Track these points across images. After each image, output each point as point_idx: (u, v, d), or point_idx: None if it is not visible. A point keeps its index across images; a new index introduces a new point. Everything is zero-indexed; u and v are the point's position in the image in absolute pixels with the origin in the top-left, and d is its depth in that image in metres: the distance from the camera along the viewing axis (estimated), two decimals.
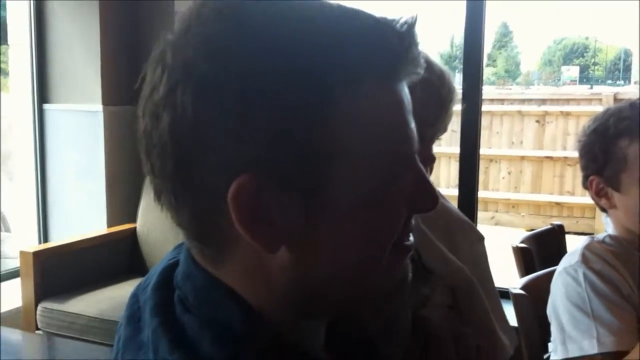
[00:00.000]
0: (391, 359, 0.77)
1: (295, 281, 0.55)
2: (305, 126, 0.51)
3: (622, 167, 1.27)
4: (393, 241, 0.57)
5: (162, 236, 2.96)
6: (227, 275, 0.56)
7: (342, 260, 0.55)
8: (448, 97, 1.05)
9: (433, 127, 1.04)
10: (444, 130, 1.08)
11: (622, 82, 12.65)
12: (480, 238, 1.26)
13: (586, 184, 1.35)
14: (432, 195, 0.59)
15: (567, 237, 2.34)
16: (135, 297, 0.64)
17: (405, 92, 0.57)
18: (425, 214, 0.64)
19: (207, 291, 0.56)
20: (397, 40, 0.54)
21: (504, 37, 15.22)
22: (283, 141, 0.51)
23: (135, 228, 3.09)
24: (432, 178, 1.26)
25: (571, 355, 1.22)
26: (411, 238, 0.60)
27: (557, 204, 5.89)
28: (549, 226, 2.32)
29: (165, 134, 0.52)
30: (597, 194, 1.33)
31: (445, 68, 1.07)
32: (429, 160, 1.04)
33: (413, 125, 0.57)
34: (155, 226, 3.01)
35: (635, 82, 12.18)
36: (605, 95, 6.00)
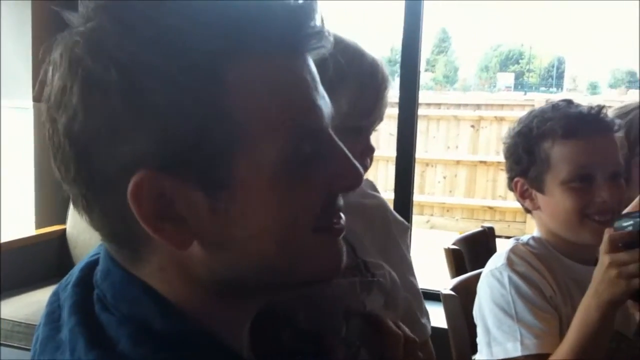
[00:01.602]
0: (336, 351, 0.75)
1: (214, 274, 0.54)
2: (195, 115, 0.49)
3: (545, 169, 1.29)
4: (314, 223, 0.55)
5: (93, 238, 2.83)
6: (144, 273, 0.55)
7: (261, 247, 0.54)
8: (382, 85, 1.03)
9: (370, 117, 1.03)
10: (381, 119, 1.07)
11: (555, 89, 13.05)
12: (407, 228, 1.26)
13: (511, 186, 1.38)
14: (353, 173, 0.57)
15: (498, 240, 2.39)
16: (56, 295, 0.62)
17: (309, 67, 0.55)
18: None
19: (124, 289, 0.55)
20: (288, 14, 0.52)
21: (443, 43, 15.49)
22: (174, 133, 0.49)
23: (65, 229, 3.01)
24: (370, 179, 1.26)
25: (495, 357, 1.23)
26: (342, 221, 0.58)
27: (490, 208, 6.03)
28: (480, 228, 2.36)
29: (62, 137, 0.51)
30: (522, 196, 1.36)
31: (377, 56, 1.05)
32: (368, 150, 1.03)
33: (320, 101, 0.55)
34: (86, 228, 2.80)
35: (567, 90, 12.59)
36: (538, 102, 6.18)
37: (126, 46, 0.49)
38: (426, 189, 6.52)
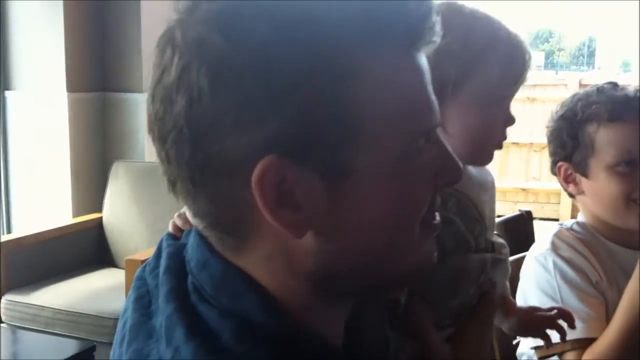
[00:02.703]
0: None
1: (321, 267, 0.53)
2: (326, 101, 0.49)
3: (590, 153, 1.27)
4: (421, 216, 0.55)
5: (129, 226, 2.91)
6: (248, 262, 0.54)
7: (371, 238, 0.53)
8: (527, 53, 1.03)
9: (516, 85, 1.03)
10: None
11: (586, 67, 12.83)
12: None
13: (554, 170, 1.36)
14: (455, 168, 0.57)
15: (534, 222, 2.36)
16: (142, 279, 0.61)
17: (425, 62, 0.55)
18: None
19: (225, 281, 0.54)
20: (416, 7, 0.52)
21: None
22: (304, 118, 0.48)
23: (101, 218, 3.04)
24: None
25: (541, 342, 1.22)
26: (438, 217, 0.59)
27: (523, 189, 5.94)
28: (518, 212, 2.34)
29: (181, 118, 0.49)
30: (566, 180, 1.34)
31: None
32: (510, 120, 1.03)
33: (433, 97, 0.55)
34: (122, 216, 2.96)
35: (599, 68, 12.37)
36: (570, 81, 6.06)
37: (261, 26, 0.48)
38: None
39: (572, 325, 1.04)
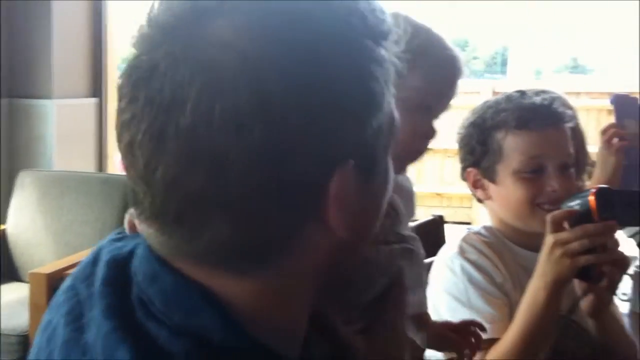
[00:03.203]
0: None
1: (332, 267, 0.54)
2: (374, 106, 0.51)
3: (498, 159, 1.31)
4: None
5: (35, 238, 2.79)
6: (250, 290, 0.51)
7: (364, 235, 0.56)
8: (457, 74, 1.05)
9: (441, 99, 1.05)
10: (447, 107, 1.08)
11: (500, 75, 13.27)
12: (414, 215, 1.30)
13: (464, 176, 1.39)
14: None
15: (447, 226, 2.41)
16: (73, 289, 0.56)
17: None
18: None
19: (179, 295, 0.50)
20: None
21: None
22: (366, 123, 0.50)
23: (4, 230, 2.89)
24: None
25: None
26: None
27: (438, 194, 6.10)
28: (431, 217, 2.38)
29: (254, 150, 0.46)
30: (474, 185, 1.37)
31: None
32: (431, 132, 1.04)
33: None
34: (27, 227, 2.83)
35: (514, 76, 12.83)
36: (483, 89, 6.26)
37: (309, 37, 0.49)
38: None
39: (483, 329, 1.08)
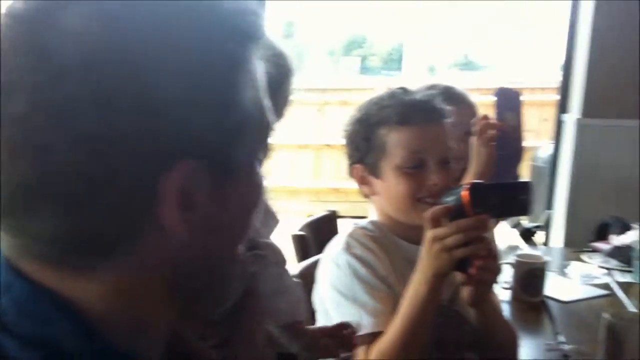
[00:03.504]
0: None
1: (181, 269, 0.51)
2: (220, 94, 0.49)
3: (381, 155, 1.32)
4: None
5: None
6: (99, 292, 0.49)
7: (228, 242, 0.54)
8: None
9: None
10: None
11: (396, 72, 13.58)
12: (278, 221, 1.28)
13: (351, 172, 1.40)
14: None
15: (345, 220, 2.43)
16: None
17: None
18: None
19: (31, 305, 0.48)
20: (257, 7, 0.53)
21: (290, 27, 15.63)
22: (217, 124, 0.48)
23: None
24: None
25: None
26: None
27: (336, 189, 6.18)
28: (325, 212, 2.40)
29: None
30: (360, 181, 1.38)
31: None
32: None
33: None
34: None
35: (409, 72, 13.17)
36: (380, 85, 6.36)
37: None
38: (272, 173, 6.51)
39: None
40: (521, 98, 1.66)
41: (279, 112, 1.04)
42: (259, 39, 0.52)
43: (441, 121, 1.35)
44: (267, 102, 0.55)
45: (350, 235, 1.34)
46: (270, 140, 0.58)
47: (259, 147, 0.54)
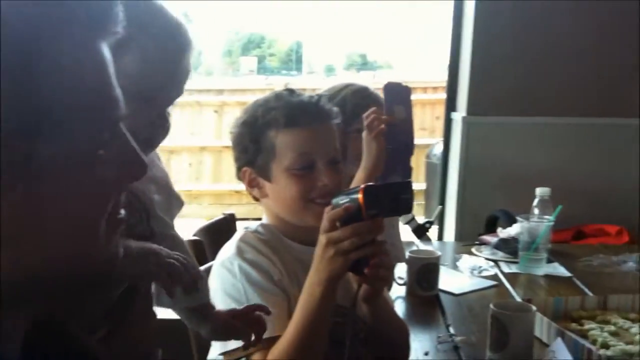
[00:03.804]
0: None
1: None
2: (13, 90, 0.45)
3: (271, 157, 1.32)
4: (108, 212, 0.53)
5: None
6: None
7: (56, 242, 0.50)
8: (181, 51, 0.97)
9: (163, 87, 0.97)
10: (179, 91, 1.01)
11: (295, 72, 13.60)
12: (182, 203, 1.24)
13: (239, 175, 1.39)
14: (140, 163, 0.56)
15: (245, 223, 2.40)
16: None
17: (108, 53, 0.53)
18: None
19: None
20: None
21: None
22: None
23: None
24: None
25: (230, 347, 1.24)
26: (122, 211, 0.57)
27: (237, 192, 6.13)
28: (222, 216, 2.37)
29: None
30: (250, 185, 1.37)
31: (181, 18, 0.98)
32: (162, 120, 0.94)
33: (119, 89, 0.54)
34: None
35: (307, 73, 13.22)
36: (277, 85, 6.39)
37: None
38: (172, 176, 6.39)
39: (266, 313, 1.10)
40: (411, 93, 1.69)
41: (178, 87, 1.00)
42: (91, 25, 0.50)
43: (329, 122, 1.36)
44: (115, 89, 0.53)
45: (242, 240, 1.33)
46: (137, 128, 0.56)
47: (94, 137, 0.50)
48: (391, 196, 1.16)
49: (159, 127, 0.95)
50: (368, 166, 1.65)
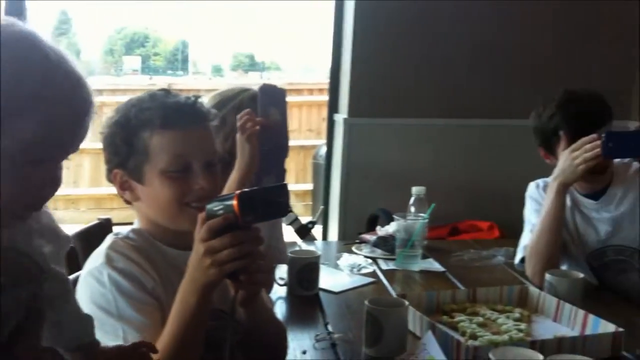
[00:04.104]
0: None
1: None
2: None
3: (144, 159, 1.29)
4: None
5: None
6: None
7: None
8: (84, 109, 0.89)
9: (63, 147, 0.89)
10: (75, 149, 0.92)
11: (181, 72, 13.37)
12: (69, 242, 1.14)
13: (110, 177, 1.34)
14: None
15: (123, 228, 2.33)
16: None
17: None
18: None
19: None
20: None
21: (64, 25, 14.68)
22: None
23: None
24: None
25: None
26: None
27: (117, 195, 5.96)
28: (97, 221, 2.29)
29: None
30: (122, 187, 1.34)
31: (82, 72, 0.88)
32: (52, 183, 0.88)
33: None
34: None
35: (193, 73, 13.01)
36: (160, 86, 6.26)
37: None
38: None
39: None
40: (286, 95, 1.70)
41: (76, 146, 0.91)
42: None
43: (206, 124, 1.35)
44: None
45: (111, 248, 1.28)
46: None
47: None
48: (267, 200, 1.14)
49: (51, 189, 0.89)
50: (241, 167, 1.65)
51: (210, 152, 1.34)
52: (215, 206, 1.15)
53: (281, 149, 1.70)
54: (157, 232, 1.33)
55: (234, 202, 1.11)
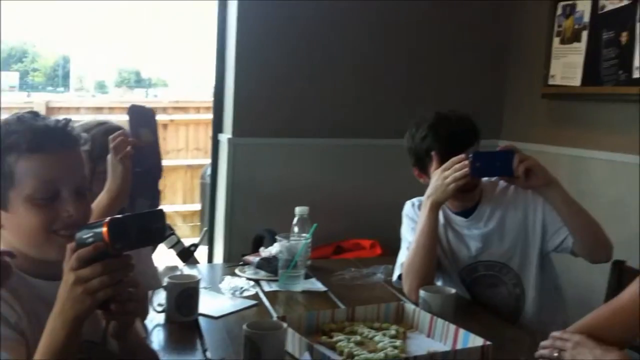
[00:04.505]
0: None
1: None
2: None
3: (9, 185, 1.23)
4: None
5: None
6: None
7: None
8: None
9: None
10: None
11: (62, 88, 12.89)
12: None
13: None
14: None
15: None
16: None
17: None
18: None
19: None
20: None
21: None
22: None
23: None
24: None
25: None
26: None
27: None
28: None
29: None
30: None
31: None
32: None
33: None
34: None
35: (75, 89, 12.55)
36: (38, 103, 6.01)
37: None
38: None
39: None
40: (155, 115, 1.70)
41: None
42: None
43: (76, 148, 1.31)
44: None
45: None
46: None
47: None
48: (140, 227, 1.12)
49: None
50: (112, 188, 1.61)
51: (80, 178, 1.30)
52: (84, 234, 1.11)
53: (154, 170, 1.69)
54: (23, 262, 1.27)
55: (104, 230, 1.08)
